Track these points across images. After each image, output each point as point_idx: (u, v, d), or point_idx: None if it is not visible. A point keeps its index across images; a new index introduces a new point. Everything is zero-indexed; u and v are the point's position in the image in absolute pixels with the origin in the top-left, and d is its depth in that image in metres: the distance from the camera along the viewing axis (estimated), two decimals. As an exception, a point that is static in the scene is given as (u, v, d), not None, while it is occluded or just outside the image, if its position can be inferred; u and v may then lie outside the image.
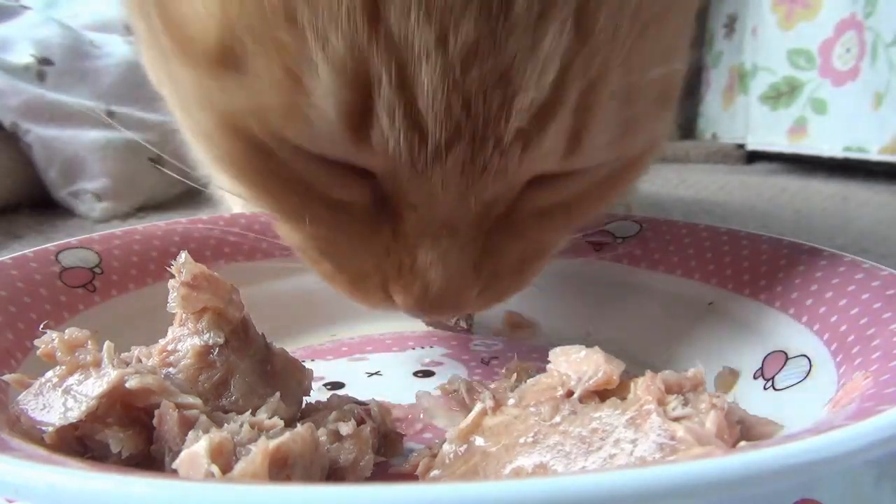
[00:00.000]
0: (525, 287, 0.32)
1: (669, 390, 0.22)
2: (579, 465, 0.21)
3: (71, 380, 0.23)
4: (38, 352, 0.24)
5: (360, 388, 0.32)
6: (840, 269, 0.31)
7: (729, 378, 0.32)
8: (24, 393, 0.23)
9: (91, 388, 0.22)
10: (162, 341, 0.26)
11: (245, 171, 0.27)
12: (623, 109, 0.25)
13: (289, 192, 0.27)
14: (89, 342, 0.24)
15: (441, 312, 0.29)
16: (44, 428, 0.22)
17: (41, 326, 0.28)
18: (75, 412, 0.22)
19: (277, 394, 0.25)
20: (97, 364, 0.23)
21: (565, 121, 0.24)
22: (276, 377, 0.27)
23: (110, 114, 0.83)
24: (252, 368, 0.26)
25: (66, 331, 0.24)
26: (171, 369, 0.25)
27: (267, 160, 0.26)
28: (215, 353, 0.25)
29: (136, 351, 0.26)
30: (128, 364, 0.24)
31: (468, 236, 0.27)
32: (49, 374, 0.23)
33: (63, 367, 0.23)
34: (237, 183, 0.28)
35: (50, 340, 0.24)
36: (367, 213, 0.28)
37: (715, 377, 0.32)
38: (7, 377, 0.24)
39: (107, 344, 0.24)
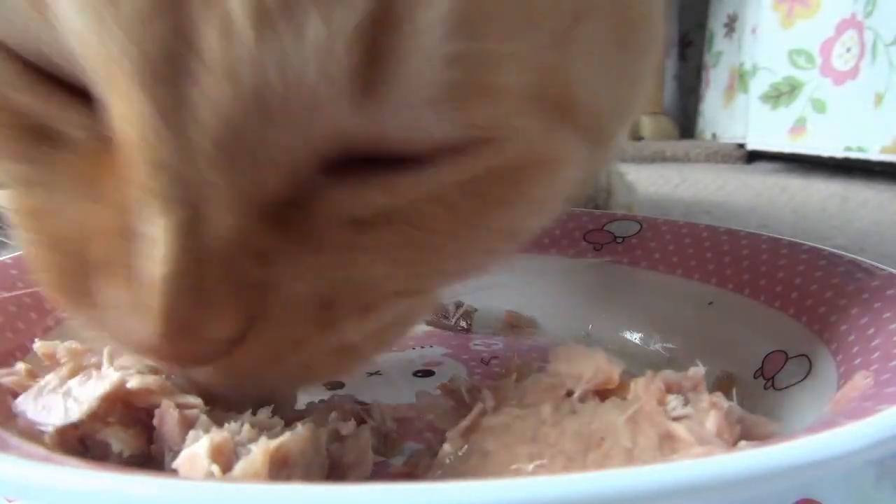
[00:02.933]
0: (346, 365, 0.23)
1: (669, 390, 0.22)
2: (579, 464, 0.21)
3: (72, 382, 0.23)
4: (38, 352, 0.24)
5: (360, 388, 0.32)
6: (840, 268, 0.31)
7: (728, 379, 0.32)
8: (23, 395, 0.23)
9: (92, 389, 0.22)
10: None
11: None
12: (462, 41, 0.16)
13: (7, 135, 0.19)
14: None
15: (172, 345, 0.18)
16: (44, 428, 0.22)
17: (40, 333, 0.28)
18: (76, 413, 0.22)
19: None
20: (97, 366, 0.23)
21: (356, 13, 0.15)
22: (276, 377, 0.27)
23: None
24: (252, 368, 0.26)
25: (65, 343, 0.25)
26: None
27: None
28: (215, 354, 0.25)
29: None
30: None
31: (222, 212, 0.17)
32: (49, 376, 0.23)
33: (64, 370, 0.23)
34: None
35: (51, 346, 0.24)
36: (87, 159, 0.18)
37: (714, 378, 0.32)
38: (7, 378, 0.24)
39: (106, 350, 0.24)
